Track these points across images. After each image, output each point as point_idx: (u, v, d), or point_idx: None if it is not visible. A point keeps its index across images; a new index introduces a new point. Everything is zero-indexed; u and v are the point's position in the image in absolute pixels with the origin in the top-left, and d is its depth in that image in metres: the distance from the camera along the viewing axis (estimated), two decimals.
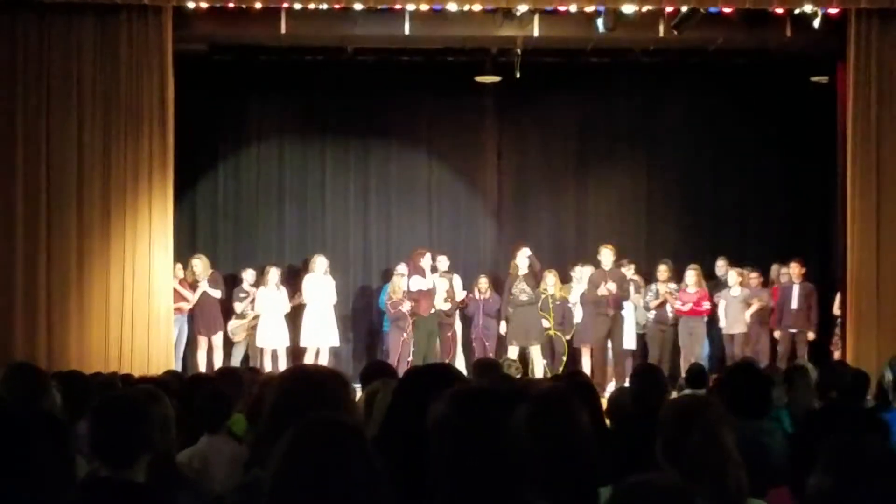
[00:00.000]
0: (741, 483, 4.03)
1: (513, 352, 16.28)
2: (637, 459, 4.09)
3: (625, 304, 16.64)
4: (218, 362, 16.10)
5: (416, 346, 16.35)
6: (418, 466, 3.29)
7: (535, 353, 16.45)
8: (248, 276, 16.99)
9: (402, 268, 17.00)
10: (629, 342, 16.87)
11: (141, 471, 4.18)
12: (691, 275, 16.65)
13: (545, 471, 3.22)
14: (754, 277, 17.12)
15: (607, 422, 6.79)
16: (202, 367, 15.86)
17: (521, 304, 16.59)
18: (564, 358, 16.81)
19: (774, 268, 17.52)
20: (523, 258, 16.73)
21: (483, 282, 17.13)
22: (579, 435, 4.06)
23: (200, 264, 16.56)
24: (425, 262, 16.70)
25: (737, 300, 16.75)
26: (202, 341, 16.51)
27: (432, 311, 16.54)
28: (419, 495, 3.23)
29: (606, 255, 16.35)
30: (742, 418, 5.88)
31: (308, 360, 16.03)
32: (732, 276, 16.87)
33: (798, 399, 7.90)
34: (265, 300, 16.71)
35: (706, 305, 16.66)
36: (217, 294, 16.60)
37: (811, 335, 16.49)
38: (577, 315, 16.96)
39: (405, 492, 3.40)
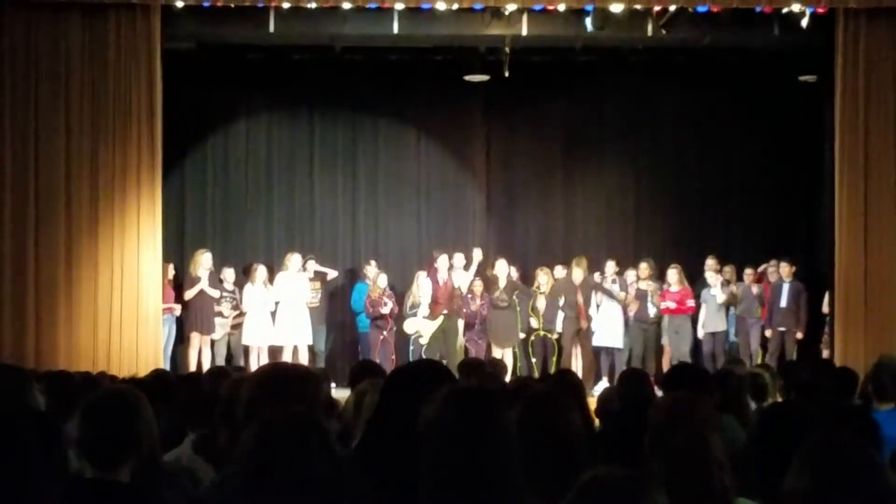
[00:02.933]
0: (725, 484, 4.03)
1: (498, 352, 16.34)
2: (625, 458, 4.10)
3: (605, 302, 16.82)
4: (209, 362, 16.07)
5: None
6: (406, 465, 3.29)
7: (506, 356, 16.44)
8: (229, 275, 16.95)
9: (372, 269, 17.31)
10: (616, 341, 16.93)
11: (127, 472, 4.17)
12: (672, 273, 16.70)
13: (537, 470, 3.21)
14: (749, 275, 17.12)
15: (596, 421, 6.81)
16: (193, 367, 15.62)
17: (497, 307, 16.71)
18: (555, 358, 16.82)
19: (765, 266, 17.54)
20: (502, 269, 16.85)
21: (477, 282, 17.10)
22: (571, 434, 4.06)
23: (209, 258, 16.54)
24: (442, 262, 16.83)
25: (715, 300, 16.80)
26: (195, 340, 16.35)
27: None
28: (407, 494, 3.22)
29: (577, 272, 16.43)
30: None
31: (286, 358, 15.95)
32: (711, 275, 16.92)
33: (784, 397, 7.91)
34: (253, 298, 16.69)
35: (690, 303, 16.69)
36: (215, 294, 16.54)
37: (799, 335, 16.53)
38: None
39: (392, 491, 3.40)
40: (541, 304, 17.03)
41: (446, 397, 3.23)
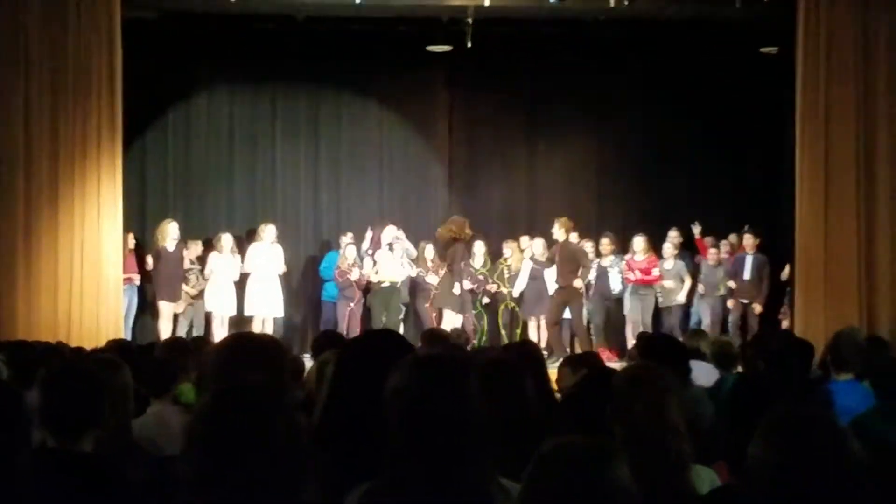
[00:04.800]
0: (683, 454, 4.06)
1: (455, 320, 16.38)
2: (587, 429, 4.12)
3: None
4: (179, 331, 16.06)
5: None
6: (364, 436, 3.30)
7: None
8: (195, 248, 16.92)
9: (348, 238, 17.25)
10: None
11: (89, 442, 4.16)
12: (639, 241, 16.73)
13: (493, 439, 3.22)
14: (713, 254, 17.15)
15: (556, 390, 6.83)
16: (164, 336, 15.34)
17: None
18: (518, 330, 16.91)
19: (732, 237, 17.61)
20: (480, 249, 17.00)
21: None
22: (525, 402, 4.08)
23: (176, 228, 16.46)
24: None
25: (671, 272, 16.85)
26: (165, 309, 16.30)
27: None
28: (365, 466, 3.22)
29: (557, 230, 16.41)
30: None
31: (255, 329, 15.95)
32: (668, 248, 16.97)
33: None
34: (218, 265, 16.64)
35: (656, 272, 16.72)
36: (186, 264, 16.58)
37: (758, 308, 16.60)
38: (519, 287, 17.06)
39: (350, 462, 3.40)
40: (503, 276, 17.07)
41: (412, 365, 3.23)
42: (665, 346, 6.87)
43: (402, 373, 3.20)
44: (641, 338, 10.54)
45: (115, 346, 9.03)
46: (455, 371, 3.24)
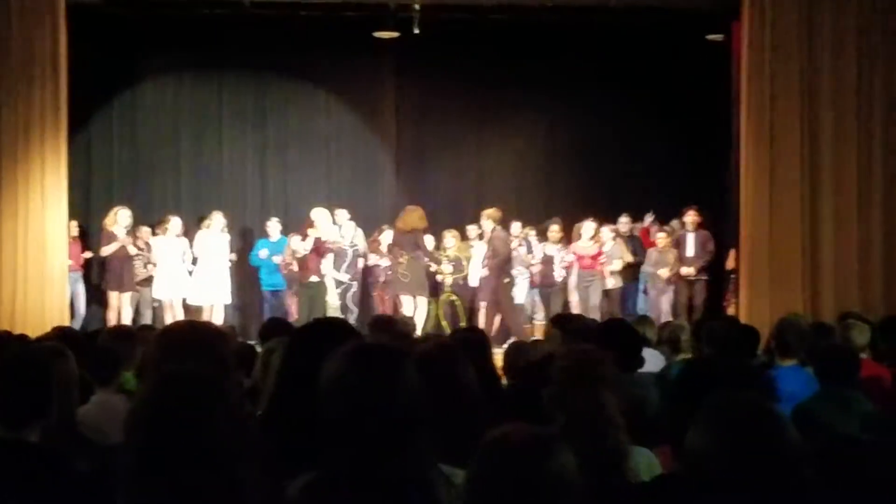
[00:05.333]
0: (619, 443, 4.08)
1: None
2: (532, 416, 4.13)
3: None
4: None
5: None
6: (309, 425, 3.29)
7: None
8: (144, 233, 16.79)
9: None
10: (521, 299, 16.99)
11: (35, 432, 4.13)
12: (589, 226, 16.69)
13: (432, 426, 3.23)
14: (662, 238, 17.16)
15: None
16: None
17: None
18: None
19: (675, 223, 17.66)
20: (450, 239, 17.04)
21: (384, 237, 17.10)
22: (462, 390, 4.08)
23: (127, 215, 16.32)
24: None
25: (611, 257, 16.90)
26: (114, 299, 16.19)
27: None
28: (312, 451, 3.22)
29: (485, 221, 16.49)
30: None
31: (205, 317, 15.86)
32: (606, 231, 17.02)
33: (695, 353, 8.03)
34: (165, 250, 16.50)
35: (603, 259, 16.78)
36: (134, 251, 16.38)
37: (697, 273, 16.60)
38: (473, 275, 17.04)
39: (295, 448, 3.40)
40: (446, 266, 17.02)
41: (347, 354, 3.23)
42: (620, 333, 6.89)
43: (337, 363, 3.20)
44: (587, 324, 10.60)
45: (59, 333, 8.95)
46: (389, 360, 3.24)
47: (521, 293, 16.86)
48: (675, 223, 17.58)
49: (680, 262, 16.77)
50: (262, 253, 17.20)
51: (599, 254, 16.74)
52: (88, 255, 16.81)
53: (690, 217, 16.93)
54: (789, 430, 3.04)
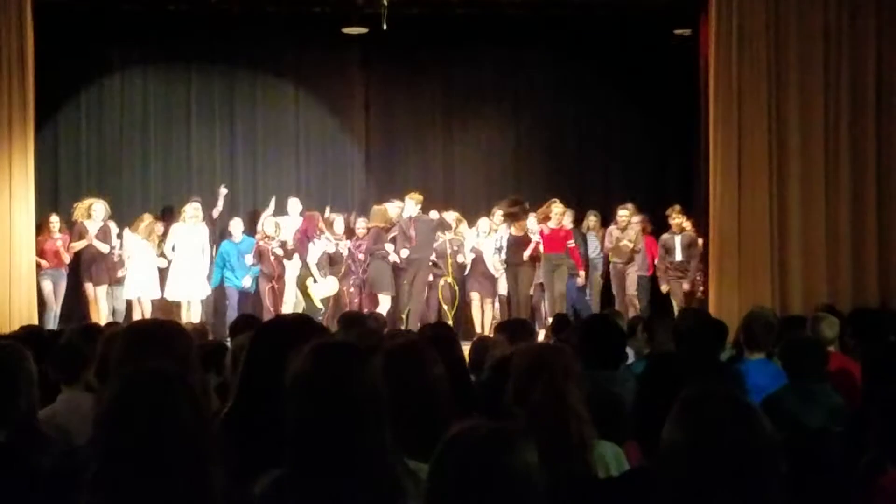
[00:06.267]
0: (583, 436, 4.08)
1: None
2: (497, 410, 4.13)
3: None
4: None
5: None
6: (273, 423, 3.28)
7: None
8: (114, 228, 16.61)
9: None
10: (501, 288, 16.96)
11: (2, 431, 4.11)
12: (556, 209, 16.31)
13: (400, 425, 3.22)
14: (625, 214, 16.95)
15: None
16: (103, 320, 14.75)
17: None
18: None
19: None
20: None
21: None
22: (431, 387, 4.07)
23: (102, 210, 16.14)
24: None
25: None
26: (92, 292, 16.02)
27: None
28: (278, 448, 3.21)
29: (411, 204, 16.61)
30: (596, 369, 5.97)
31: (182, 313, 15.77)
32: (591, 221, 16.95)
33: (659, 348, 8.03)
34: (135, 246, 16.23)
35: (571, 244, 16.36)
36: (105, 249, 16.09)
37: (686, 286, 16.51)
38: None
39: (260, 445, 3.39)
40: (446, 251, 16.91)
41: (310, 352, 3.23)
42: (604, 329, 6.87)
43: (300, 359, 3.20)
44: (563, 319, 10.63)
45: (25, 332, 8.91)
46: (352, 357, 3.25)
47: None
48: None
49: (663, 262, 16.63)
50: (244, 282, 16.78)
51: (567, 239, 16.34)
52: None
53: (675, 219, 16.57)
54: (765, 424, 3.04)
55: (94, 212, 16.11)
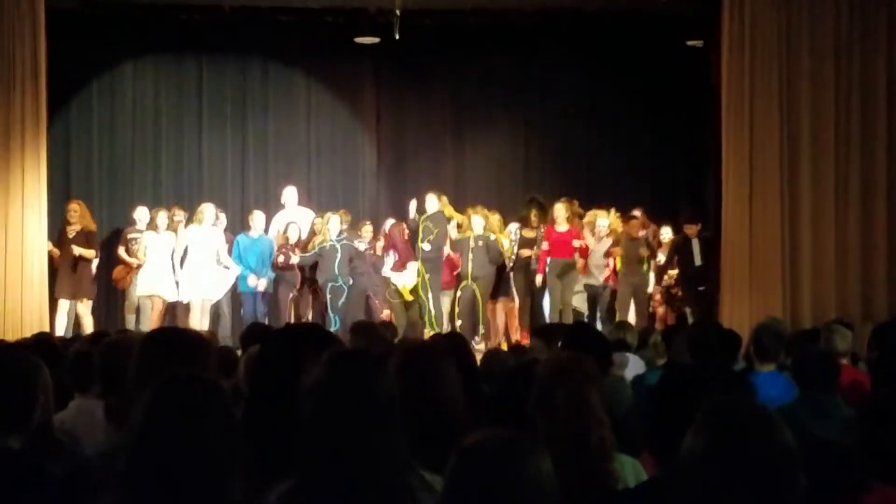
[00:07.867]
0: (604, 443, 4.08)
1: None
2: (512, 420, 4.13)
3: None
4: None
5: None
6: (284, 431, 3.29)
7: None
8: (142, 215, 16.35)
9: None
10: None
11: (18, 438, 4.12)
12: (560, 209, 15.93)
13: (413, 431, 3.23)
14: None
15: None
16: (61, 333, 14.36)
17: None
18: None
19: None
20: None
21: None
22: (445, 385, 4.08)
23: (79, 210, 15.59)
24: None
25: (596, 253, 16.05)
26: (62, 305, 15.31)
27: None
28: (289, 458, 3.22)
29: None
30: None
31: (194, 316, 15.53)
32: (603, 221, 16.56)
33: (677, 358, 8.02)
34: (153, 245, 15.85)
35: (577, 244, 15.74)
36: (89, 254, 15.52)
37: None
38: None
39: (274, 454, 3.40)
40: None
41: (326, 360, 3.23)
42: (589, 337, 6.91)
43: (318, 369, 3.20)
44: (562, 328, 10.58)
45: (38, 339, 8.91)
46: (368, 366, 3.26)
47: None
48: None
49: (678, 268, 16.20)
50: (250, 280, 16.24)
51: (573, 238, 15.75)
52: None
53: (692, 228, 15.82)
54: (788, 436, 3.04)
55: (72, 213, 15.59)
